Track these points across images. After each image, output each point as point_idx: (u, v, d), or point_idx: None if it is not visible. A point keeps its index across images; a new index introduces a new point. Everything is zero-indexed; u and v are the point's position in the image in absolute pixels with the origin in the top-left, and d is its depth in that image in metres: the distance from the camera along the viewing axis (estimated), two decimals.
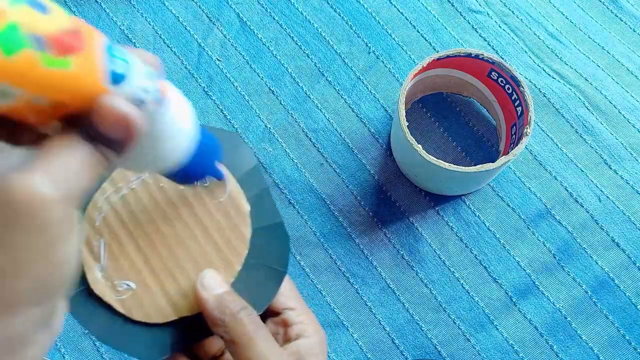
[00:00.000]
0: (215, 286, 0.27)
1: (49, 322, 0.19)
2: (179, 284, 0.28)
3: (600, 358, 0.41)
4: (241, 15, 0.51)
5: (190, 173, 0.25)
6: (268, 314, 0.30)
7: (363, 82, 0.49)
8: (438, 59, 0.42)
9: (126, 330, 0.28)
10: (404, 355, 0.42)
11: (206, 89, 0.49)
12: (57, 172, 0.17)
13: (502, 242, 0.44)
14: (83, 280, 0.28)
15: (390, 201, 0.46)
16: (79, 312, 0.28)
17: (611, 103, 0.48)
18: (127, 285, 0.28)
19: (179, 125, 0.22)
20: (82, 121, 0.18)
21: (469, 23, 0.51)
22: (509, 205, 0.45)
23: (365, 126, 0.48)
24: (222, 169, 0.29)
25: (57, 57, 0.16)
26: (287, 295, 0.29)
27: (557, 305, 0.43)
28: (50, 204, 0.16)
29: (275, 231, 0.29)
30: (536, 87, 0.48)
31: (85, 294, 0.28)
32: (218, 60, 0.50)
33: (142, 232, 0.29)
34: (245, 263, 0.28)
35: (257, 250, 0.28)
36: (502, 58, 0.49)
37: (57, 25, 0.17)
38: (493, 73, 0.43)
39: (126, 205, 0.29)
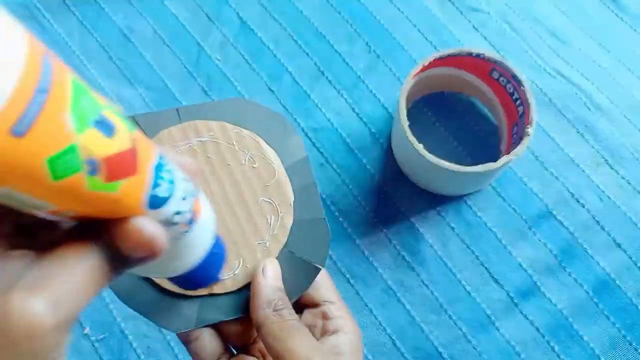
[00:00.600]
0: (274, 278, 0.27)
1: None
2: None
3: (602, 359, 0.41)
4: (241, 14, 0.51)
5: (193, 280, 0.23)
6: (307, 305, 0.29)
7: (364, 82, 0.49)
8: (439, 58, 0.42)
9: (153, 296, 0.27)
10: (405, 356, 0.42)
11: (205, 89, 0.49)
12: (61, 293, 0.16)
13: (503, 242, 0.44)
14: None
15: (391, 201, 0.45)
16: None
17: (613, 103, 0.47)
18: None
19: (200, 241, 0.21)
20: (100, 230, 0.17)
21: (470, 22, 0.51)
22: (510, 206, 0.45)
23: (366, 126, 0.48)
24: (273, 160, 0.28)
25: (107, 182, 0.15)
26: (328, 289, 0.29)
27: (559, 306, 0.43)
28: (44, 333, 0.15)
29: (317, 226, 0.28)
30: (538, 86, 0.48)
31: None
32: (217, 59, 0.50)
33: None
34: (282, 252, 0.28)
35: (296, 242, 0.28)
36: (504, 57, 0.49)
37: (117, 147, 0.15)
38: (494, 72, 0.43)
39: None
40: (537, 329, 0.42)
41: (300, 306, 0.30)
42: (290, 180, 0.29)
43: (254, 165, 0.28)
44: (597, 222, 0.44)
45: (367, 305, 0.43)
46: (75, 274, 0.16)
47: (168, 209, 0.18)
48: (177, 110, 0.29)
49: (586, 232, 0.44)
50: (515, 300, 0.43)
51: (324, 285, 0.29)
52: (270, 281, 0.27)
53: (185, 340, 0.29)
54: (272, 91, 0.49)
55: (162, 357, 0.42)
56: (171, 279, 0.23)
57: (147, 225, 0.17)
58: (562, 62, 0.49)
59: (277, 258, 0.28)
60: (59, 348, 0.16)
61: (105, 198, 0.15)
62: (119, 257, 0.17)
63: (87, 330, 0.42)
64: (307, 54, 0.50)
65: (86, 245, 0.17)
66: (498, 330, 0.42)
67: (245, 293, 0.28)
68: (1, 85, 0.12)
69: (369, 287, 0.43)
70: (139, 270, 0.20)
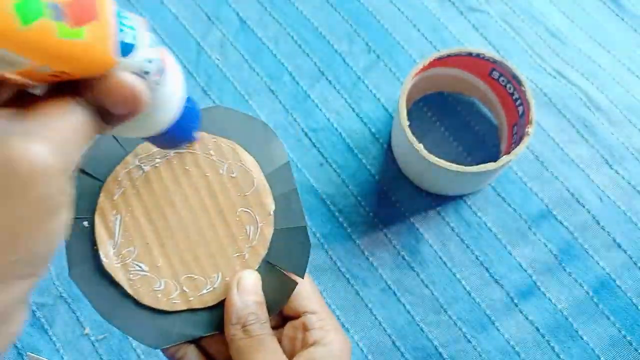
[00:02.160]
0: (251, 292, 0.26)
1: (28, 299, 0.18)
2: (192, 273, 0.27)
3: (602, 359, 0.41)
4: (240, 14, 0.51)
5: (172, 137, 0.24)
6: (289, 317, 0.28)
7: (363, 82, 0.49)
8: (439, 58, 0.42)
9: (132, 312, 0.27)
10: (404, 356, 0.42)
11: (205, 88, 0.49)
12: (56, 139, 0.16)
13: (503, 242, 0.44)
14: (94, 254, 0.27)
15: (391, 201, 0.45)
16: (86, 288, 0.27)
17: (613, 103, 0.47)
18: (139, 266, 0.27)
19: (174, 93, 0.22)
20: (81, 87, 0.17)
21: (470, 22, 0.51)
22: (510, 206, 0.45)
23: (366, 126, 0.47)
24: (252, 168, 0.28)
25: (72, 27, 0.15)
26: (309, 299, 0.28)
27: (559, 306, 0.43)
28: (51, 175, 0.16)
29: (298, 235, 0.28)
30: (537, 86, 0.48)
31: (94, 270, 0.27)
32: (217, 59, 0.50)
33: (161, 214, 0.27)
34: (262, 263, 0.27)
35: (277, 253, 0.27)
36: (504, 57, 0.49)
37: None
38: (494, 72, 0.43)
39: (148, 183, 0.28)
40: (537, 329, 0.42)
41: (284, 318, 0.29)
42: (271, 188, 0.28)
43: (232, 175, 0.28)
44: (597, 222, 0.44)
45: (366, 305, 0.43)
46: (64, 125, 0.16)
47: (138, 57, 0.18)
48: None
49: (586, 232, 0.44)
50: (515, 300, 0.43)
51: (305, 295, 0.28)
52: (244, 295, 0.26)
53: (172, 358, 0.28)
54: (272, 91, 0.49)
55: (161, 358, 0.42)
56: (150, 139, 0.23)
57: (128, 78, 0.17)
58: (562, 62, 0.49)
59: (257, 270, 0.27)
60: (67, 193, 0.17)
61: (75, 46, 0.16)
62: (103, 113, 0.17)
63: (87, 330, 0.42)
64: (307, 54, 0.50)
65: (68, 101, 0.17)
66: (498, 330, 0.42)
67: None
68: None
69: (369, 287, 0.43)
70: (120, 130, 0.20)
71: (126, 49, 0.18)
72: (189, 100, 0.24)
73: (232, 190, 0.28)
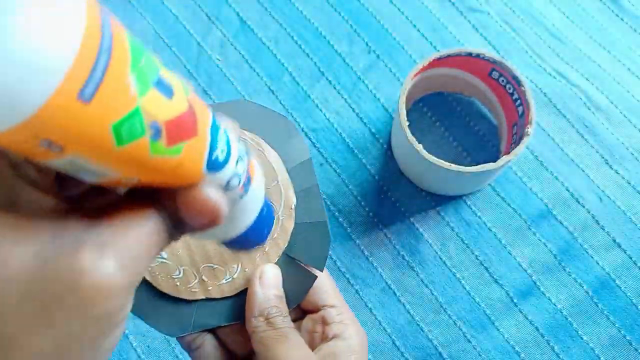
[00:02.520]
0: (272, 286, 0.26)
1: None
2: (212, 263, 0.27)
3: (601, 358, 0.41)
4: (241, 14, 0.51)
5: (243, 242, 0.23)
6: (308, 311, 0.29)
7: (363, 82, 0.49)
8: (439, 59, 0.42)
9: (150, 299, 0.27)
10: (404, 356, 0.42)
11: (205, 89, 0.49)
12: (130, 253, 0.15)
13: (503, 242, 0.44)
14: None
15: (391, 201, 0.45)
16: None
17: (612, 103, 0.47)
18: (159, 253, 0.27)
19: (255, 202, 0.21)
20: (161, 196, 0.16)
21: (470, 22, 0.51)
22: (509, 206, 0.45)
23: (366, 126, 0.48)
24: (275, 162, 0.28)
25: (169, 146, 0.14)
26: (328, 293, 0.28)
27: (558, 306, 0.43)
28: (116, 293, 0.15)
29: (318, 230, 0.28)
30: (537, 86, 0.48)
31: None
32: (217, 59, 0.50)
33: None
34: (282, 256, 0.27)
35: (297, 246, 0.28)
36: (503, 57, 0.49)
37: (177, 109, 0.14)
38: (494, 72, 0.43)
39: None
40: (537, 329, 0.42)
41: (303, 312, 0.29)
42: (293, 183, 0.28)
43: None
44: (597, 221, 0.44)
45: (366, 305, 0.43)
46: (138, 237, 0.16)
47: (226, 172, 0.17)
48: None
49: (586, 231, 0.44)
50: (514, 300, 0.43)
51: (324, 289, 0.28)
52: (266, 289, 0.26)
53: (188, 347, 0.28)
54: (272, 91, 0.49)
55: (162, 357, 0.42)
56: (223, 242, 0.23)
57: (211, 193, 0.16)
58: (562, 62, 0.49)
59: (276, 263, 0.27)
60: (126, 310, 0.16)
61: (168, 162, 0.15)
62: (179, 223, 0.17)
63: None
64: (307, 54, 0.50)
65: (145, 209, 0.16)
66: (497, 329, 0.42)
67: (243, 298, 0.27)
68: (65, 43, 0.11)
69: (369, 286, 0.43)
70: (198, 235, 0.20)
71: (217, 165, 0.17)
72: (266, 203, 0.23)
73: None
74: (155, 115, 0.13)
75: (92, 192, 0.17)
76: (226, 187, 0.18)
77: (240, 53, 0.50)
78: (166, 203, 0.16)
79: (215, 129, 0.17)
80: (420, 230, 0.45)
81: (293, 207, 0.28)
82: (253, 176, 0.20)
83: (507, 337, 0.42)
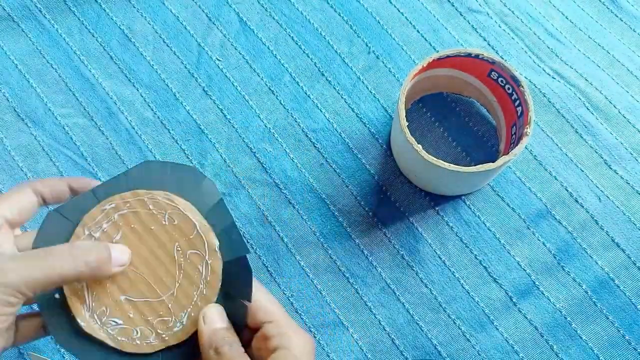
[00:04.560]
0: (216, 320, 0.29)
1: None
2: (162, 316, 0.30)
3: (600, 358, 0.41)
4: (241, 14, 0.51)
5: None
6: (255, 331, 0.30)
7: (363, 82, 0.49)
8: (438, 59, 0.42)
9: (107, 357, 0.30)
10: (403, 355, 0.42)
11: (206, 89, 0.49)
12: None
13: (502, 242, 0.44)
14: (72, 320, 0.30)
15: (390, 201, 0.46)
16: (74, 349, 0.30)
17: (611, 103, 0.48)
18: (115, 322, 0.30)
19: None
20: None
21: (469, 23, 0.51)
22: (509, 205, 0.45)
23: (365, 126, 0.48)
24: (190, 213, 0.30)
25: None
26: (265, 310, 0.30)
27: (557, 306, 0.43)
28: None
29: (240, 264, 0.30)
30: (536, 87, 0.48)
31: (76, 333, 0.30)
32: (218, 59, 0.50)
33: (120, 273, 0.30)
34: (219, 294, 0.30)
35: (228, 282, 0.30)
36: (502, 58, 0.49)
37: None
38: (493, 73, 0.43)
39: None
40: (536, 328, 0.42)
41: (249, 334, 0.31)
42: (212, 226, 0.30)
43: (174, 223, 0.30)
44: (596, 221, 0.44)
45: (366, 304, 0.43)
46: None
47: None
48: (92, 192, 0.31)
49: (585, 231, 0.44)
50: (513, 300, 0.43)
51: (261, 307, 0.30)
52: (210, 325, 0.29)
53: None
54: (272, 92, 0.49)
55: None
56: None
57: None
58: (561, 62, 0.49)
59: (217, 301, 0.30)
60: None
61: None
62: None
63: None
64: (307, 54, 0.50)
65: None
66: (497, 329, 0.42)
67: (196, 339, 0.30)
68: None
69: (368, 286, 0.44)
70: None
71: None
72: None
73: (178, 236, 0.30)
74: None
75: None
76: None
77: (240, 53, 0.50)
78: None
79: None
80: (420, 230, 0.45)
81: (217, 248, 0.30)
82: None
83: (506, 336, 0.42)
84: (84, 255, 0.27)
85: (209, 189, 0.31)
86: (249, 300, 0.29)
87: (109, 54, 0.50)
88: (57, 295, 0.30)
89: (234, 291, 0.30)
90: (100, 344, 0.30)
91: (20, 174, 0.47)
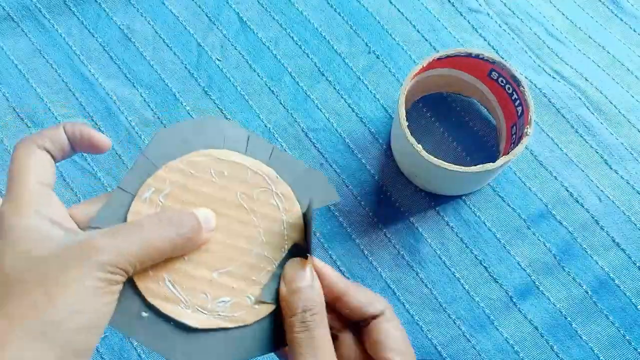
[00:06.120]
0: (296, 279, 0.26)
1: None
2: (264, 268, 0.27)
3: (601, 358, 0.41)
4: (241, 14, 0.51)
5: None
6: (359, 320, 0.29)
7: (363, 82, 0.49)
8: (438, 59, 0.42)
9: (236, 337, 0.27)
10: None
11: (206, 89, 0.49)
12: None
13: (502, 242, 0.44)
14: (178, 330, 0.26)
15: (391, 201, 0.46)
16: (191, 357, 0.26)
17: (611, 103, 0.48)
18: (223, 301, 0.27)
19: None
20: None
21: (469, 23, 0.51)
22: (509, 205, 0.45)
23: (366, 126, 0.48)
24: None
25: None
26: (397, 345, 0.28)
27: (558, 306, 0.43)
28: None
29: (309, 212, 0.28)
30: (536, 87, 0.48)
31: (187, 340, 0.26)
32: (218, 60, 0.50)
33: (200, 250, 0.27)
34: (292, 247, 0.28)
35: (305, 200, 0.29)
36: (503, 58, 0.49)
37: None
38: (493, 73, 0.43)
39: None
40: (536, 328, 0.42)
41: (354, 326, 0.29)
42: (278, 174, 0.29)
43: (224, 175, 0.28)
44: (596, 221, 0.44)
45: None
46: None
47: None
48: (119, 188, 0.28)
49: (585, 231, 0.44)
50: (514, 300, 0.43)
51: (393, 343, 0.28)
52: (292, 284, 0.26)
53: None
54: (272, 92, 0.49)
55: (163, 357, 0.42)
56: None
57: None
58: (561, 62, 0.49)
59: (297, 255, 0.28)
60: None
61: None
62: None
63: None
64: (307, 54, 0.50)
65: None
66: (497, 329, 0.42)
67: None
68: None
69: (369, 286, 0.44)
70: None
71: None
72: None
73: (236, 186, 0.28)
74: None
75: None
76: None
77: (240, 53, 0.50)
78: None
79: None
80: (420, 230, 0.45)
81: (277, 176, 0.29)
82: None
83: (507, 336, 0.42)
84: (176, 225, 0.25)
85: (235, 131, 0.29)
86: (309, 252, 0.27)
87: (108, 54, 0.50)
88: (144, 314, 0.26)
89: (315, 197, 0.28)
90: (215, 333, 0.26)
91: None
